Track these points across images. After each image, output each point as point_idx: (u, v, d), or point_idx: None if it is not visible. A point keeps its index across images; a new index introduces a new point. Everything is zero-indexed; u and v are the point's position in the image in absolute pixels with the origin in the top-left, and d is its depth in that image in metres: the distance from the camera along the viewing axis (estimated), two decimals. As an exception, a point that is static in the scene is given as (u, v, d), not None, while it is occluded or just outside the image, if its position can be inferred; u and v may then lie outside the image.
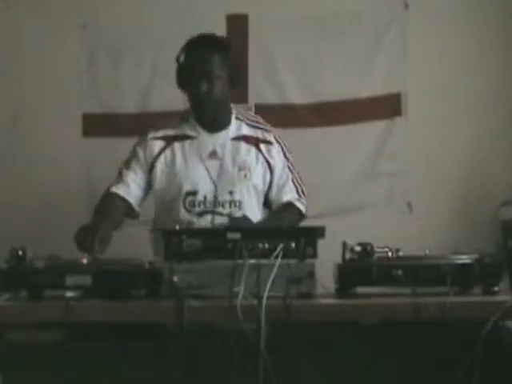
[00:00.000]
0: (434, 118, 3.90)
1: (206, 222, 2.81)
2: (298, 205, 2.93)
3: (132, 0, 4.02)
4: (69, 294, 2.19)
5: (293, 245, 2.17)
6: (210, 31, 3.94)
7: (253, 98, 3.95)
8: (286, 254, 2.15)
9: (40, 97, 3.97)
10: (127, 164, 2.92)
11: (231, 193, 2.84)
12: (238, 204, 2.85)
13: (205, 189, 2.84)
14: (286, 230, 2.36)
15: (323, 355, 2.16)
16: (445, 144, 3.89)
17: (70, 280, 2.18)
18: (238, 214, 2.84)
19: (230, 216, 2.82)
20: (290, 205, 2.92)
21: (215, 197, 2.83)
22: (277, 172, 2.91)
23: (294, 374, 2.12)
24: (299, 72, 3.97)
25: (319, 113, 3.95)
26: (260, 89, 3.96)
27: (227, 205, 2.84)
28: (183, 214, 2.84)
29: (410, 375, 2.16)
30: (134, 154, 2.93)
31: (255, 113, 3.93)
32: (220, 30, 3.92)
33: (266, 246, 2.16)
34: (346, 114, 3.94)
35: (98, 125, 3.99)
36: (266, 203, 2.96)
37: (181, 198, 2.84)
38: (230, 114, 2.91)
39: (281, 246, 2.15)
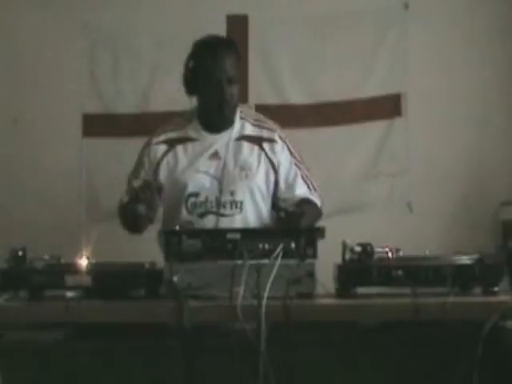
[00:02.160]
0: (434, 118, 3.90)
1: (207, 222, 2.78)
2: (313, 199, 2.86)
3: (132, 0, 4.02)
4: (69, 294, 2.19)
5: (293, 245, 2.17)
6: (209, 31, 3.97)
7: (253, 98, 3.95)
8: (286, 254, 2.15)
9: (40, 97, 3.97)
10: (136, 174, 2.90)
11: (232, 193, 2.81)
12: (239, 205, 2.81)
13: (207, 190, 2.81)
14: (286, 230, 2.36)
15: (323, 355, 2.16)
16: (445, 144, 3.89)
17: (69, 280, 2.18)
18: (239, 215, 2.80)
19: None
20: (306, 200, 2.84)
21: (217, 198, 2.81)
22: (282, 170, 2.87)
23: (294, 374, 2.12)
24: (299, 72, 3.97)
25: (319, 113, 3.95)
26: (260, 89, 3.96)
27: (228, 205, 2.80)
28: (184, 215, 2.82)
29: (410, 375, 2.16)
30: (140, 163, 2.91)
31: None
32: (220, 30, 3.93)
33: (266, 246, 2.16)
34: (346, 114, 3.94)
35: (98, 125, 3.99)
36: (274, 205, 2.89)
37: (183, 200, 2.82)
38: (234, 113, 2.88)
39: (281, 246, 2.15)
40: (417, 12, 3.90)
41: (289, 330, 2.05)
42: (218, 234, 2.23)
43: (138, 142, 3.97)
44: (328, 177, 3.93)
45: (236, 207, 2.81)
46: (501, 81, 3.91)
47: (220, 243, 2.18)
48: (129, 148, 3.99)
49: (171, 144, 2.88)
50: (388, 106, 3.93)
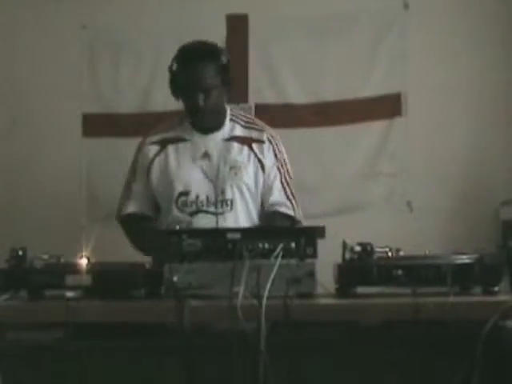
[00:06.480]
0: (434, 118, 3.90)
1: (198, 221, 2.83)
2: (286, 210, 2.91)
3: (132, 0, 4.02)
4: (69, 294, 2.19)
5: (293, 245, 2.17)
6: (209, 31, 3.97)
7: (253, 98, 3.95)
8: (286, 254, 2.15)
9: (40, 97, 3.97)
10: (132, 175, 2.97)
11: (222, 192, 2.86)
12: (229, 203, 2.86)
13: (197, 189, 2.86)
14: (286, 230, 2.36)
15: (323, 355, 2.16)
16: (444, 144, 3.89)
17: (69, 280, 2.19)
18: (230, 213, 2.86)
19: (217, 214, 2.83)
20: (276, 214, 2.90)
21: (207, 196, 2.86)
22: (266, 170, 2.91)
23: (294, 374, 2.12)
24: (299, 72, 3.97)
25: (319, 113, 3.95)
26: (260, 89, 3.96)
27: (219, 204, 2.86)
28: (175, 214, 2.86)
29: (410, 375, 2.16)
30: (136, 163, 2.98)
31: (255, 113, 3.94)
32: (220, 30, 3.94)
33: (266, 246, 2.16)
34: (346, 114, 3.94)
35: (98, 125, 3.99)
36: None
37: (173, 199, 2.87)
38: (223, 115, 2.94)
39: (281, 246, 2.15)
40: (417, 12, 3.90)
41: (289, 330, 2.05)
42: (218, 233, 2.23)
43: (137, 142, 4.00)
44: (328, 177, 3.94)
45: (226, 205, 2.86)
46: (500, 80, 3.90)
47: (220, 243, 2.18)
48: (129, 148, 3.98)
49: (163, 144, 2.94)
50: (388, 106, 3.93)
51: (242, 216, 2.87)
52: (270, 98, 3.96)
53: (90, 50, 4.00)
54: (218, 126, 2.92)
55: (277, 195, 2.92)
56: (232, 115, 2.96)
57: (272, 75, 3.96)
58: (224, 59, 2.86)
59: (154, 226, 2.89)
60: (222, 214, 2.85)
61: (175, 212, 2.86)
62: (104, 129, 3.98)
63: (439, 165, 3.88)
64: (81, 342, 2.18)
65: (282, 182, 2.93)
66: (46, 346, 2.19)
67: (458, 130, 3.90)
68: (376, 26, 3.94)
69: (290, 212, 2.92)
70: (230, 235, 2.19)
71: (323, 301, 2.17)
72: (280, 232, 2.24)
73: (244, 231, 2.24)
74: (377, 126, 3.95)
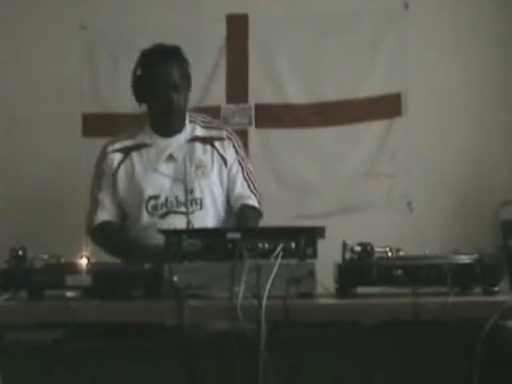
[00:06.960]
0: (434, 118, 3.90)
1: (169, 222, 2.88)
2: (252, 202, 3.00)
3: (132, 0, 4.02)
4: (69, 294, 2.19)
5: (293, 245, 2.17)
6: (209, 31, 3.98)
7: (253, 98, 3.95)
8: (286, 254, 2.15)
9: (40, 97, 3.97)
10: (98, 184, 3.00)
11: (191, 192, 2.92)
12: (198, 202, 2.93)
13: (165, 191, 2.93)
14: (286, 230, 2.36)
15: (323, 355, 2.16)
16: (445, 144, 3.89)
17: (69, 280, 2.19)
18: (199, 212, 2.92)
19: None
20: (244, 207, 2.98)
21: (176, 197, 2.91)
22: (228, 165, 3.00)
23: (294, 374, 2.12)
24: (299, 72, 3.96)
25: (319, 113, 3.95)
26: (260, 89, 3.96)
27: (188, 204, 2.91)
28: (146, 218, 2.91)
29: (410, 375, 2.16)
30: (99, 172, 3.02)
31: (255, 113, 3.94)
32: (220, 30, 3.94)
33: (266, 246, 2.16)
34: (346, 114, 3.93)
35: (98, 125, 3.98)
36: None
37: (143, 203, 2.92)
38: (184, 117, 3.00)
39: (281, 246, 2.15)
40: (417, 12, 3.90)
41: (289, 330, 2.05)
42: (218, 233, 2.23)
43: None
44: (328, 177, 3.94)
45: (196, 204, 2.93)
46: (500, 80, 3.90)
47: (220, 243, 2.18)
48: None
49: (126, 152, 3.00)
50: (388, 106, 3.92)
51: (210, 214, 2.95)
52: (270, 97, 3.96)
53: (90, 50, 4.00)
54: (179, 128, 2.99)
55: (241, 188, 3.01)
56: (191, 116, 3.04)
57: (272, 75, 3.96)
58: (185, 62, 2.96)
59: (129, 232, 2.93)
60: (192, 213, 2.91)
61: (145, 216, 2.92)
62: (104, 129, 3.98)
63: (439, 165, 3.88)
64: (81, 342, 2.18)
65: (244, 175, 3.02)
66: (46, 346, 2.19)
67: (457, 130, 3.90)
68: (376, 25, 3.94)
69: (256, 204, 3.01)
70: (230, 235, 2.19)
71: (323, 301, 2.17)
72: (280, 232, 2.23)
73: (244, 231, 2.24)
74: (377, 126, 3.94)
